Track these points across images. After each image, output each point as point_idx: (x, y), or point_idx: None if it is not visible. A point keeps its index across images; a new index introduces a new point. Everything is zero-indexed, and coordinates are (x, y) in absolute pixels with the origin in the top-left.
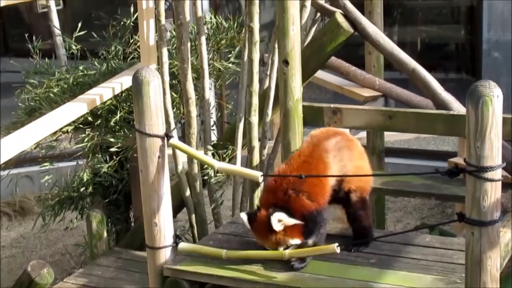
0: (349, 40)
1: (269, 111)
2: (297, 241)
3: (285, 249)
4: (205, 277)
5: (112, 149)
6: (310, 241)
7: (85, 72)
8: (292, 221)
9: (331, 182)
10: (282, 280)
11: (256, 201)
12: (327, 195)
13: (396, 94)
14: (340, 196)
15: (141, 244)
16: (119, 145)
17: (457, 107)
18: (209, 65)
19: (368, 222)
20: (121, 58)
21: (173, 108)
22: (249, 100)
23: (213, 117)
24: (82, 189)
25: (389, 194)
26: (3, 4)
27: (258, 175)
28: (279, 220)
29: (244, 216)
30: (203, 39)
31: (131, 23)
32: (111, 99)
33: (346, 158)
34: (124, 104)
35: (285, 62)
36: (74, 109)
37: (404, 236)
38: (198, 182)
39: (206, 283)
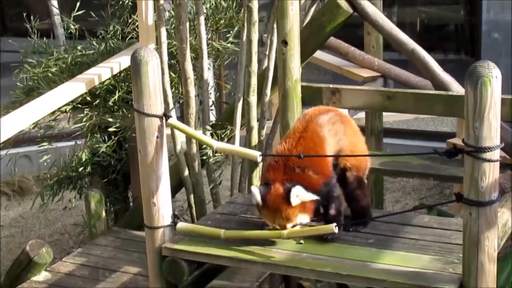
0: (348, 21)
1: (268, 91)
2: (306, 218)
3: (292, 227)
4: (204, 256)
5: (111, 129)
6: (332, 211)
7: (84, 52)
8: (309, 196)
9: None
10: (280, 260)
11: (255, 181)
12: (330, 166)
13: (395, 74)
14: (337, 174)
15: (140, 224)
16: (117, 125)
17: (456, 88)
18: (207, 45)
19: (366, 202)
20: (120, 38)
21: (171, 88)
22: (248, 80)
23: (212, 97)
24: (81, 169)
25: (387, 174)
26: None
27: (256, 154)
28: (297, 195)
29: (256, 190)
30: (202, 19)
31: (130, 3)
32: (109, 79)
33: (341, 132)
34: (123, 84)
35: (284, 42)
36: (73, 89)
37: (402, 216)
38: (197, 162)
39: (205, 262)
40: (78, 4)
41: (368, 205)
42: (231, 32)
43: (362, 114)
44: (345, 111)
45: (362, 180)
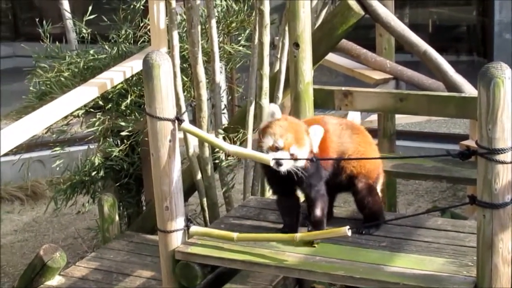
0: (360, 22)
1: (280, 94)
2: (299, 152)
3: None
4: (217, 260)
5: (123, 133)
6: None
7: (96, 56)
8: (315, 143)
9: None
10: (293, 263)
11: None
12: (329, 152)
13: (407, 76)
14: (344, 182)
15: (153, 228)
16: (130, 129)
17: (469, 89)
18: (219, 48)
19: (378, 208)
20: (132, 41)
21: (183, 92)
22: (260, 83)
23: (224, 101)
24: (94, 173)
25: (400, 177)
26: None
27: (269, 158)
28: (315, 133)
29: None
30: (213, 22)
31: (141, 6)
32: (121, 83)
33: (346, 136)
34: (135, 88)
35: (295, 45)
36: (85, 93)
37: (415, 219)
38: (210, 165)
39: (218, 266)
40: (90, 8)
41: (381, 210)
42: (242, 35)
43: (374, 117)
44: (357, 114)
45: (373, 187)
